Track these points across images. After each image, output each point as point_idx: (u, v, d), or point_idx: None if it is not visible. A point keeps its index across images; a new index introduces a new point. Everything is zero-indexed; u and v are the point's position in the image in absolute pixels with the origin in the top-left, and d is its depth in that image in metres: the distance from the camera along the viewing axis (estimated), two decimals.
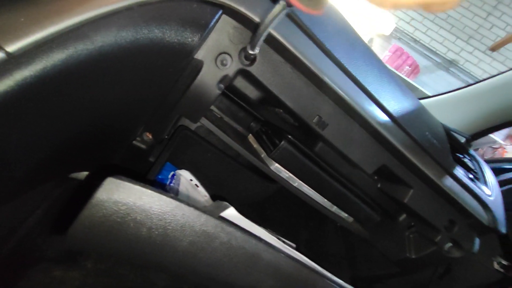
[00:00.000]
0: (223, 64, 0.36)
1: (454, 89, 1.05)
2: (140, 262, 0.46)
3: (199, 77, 0.37)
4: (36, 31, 0.22)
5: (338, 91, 0.38)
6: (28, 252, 0.44)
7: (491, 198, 0.56)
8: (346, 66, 0.40)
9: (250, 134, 0.57)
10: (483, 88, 0.95)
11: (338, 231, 0.79)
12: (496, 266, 0.67)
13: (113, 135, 0.41)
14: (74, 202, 0.49)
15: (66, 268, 0.46)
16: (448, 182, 0.50)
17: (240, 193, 0.64)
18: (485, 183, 0.61)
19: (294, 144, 0.50)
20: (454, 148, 0.62)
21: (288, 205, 0.76)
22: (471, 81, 1.44)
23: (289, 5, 0.27)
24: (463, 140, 0.80)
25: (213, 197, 0.56)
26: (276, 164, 0.52)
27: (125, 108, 0.36)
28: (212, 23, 0.31)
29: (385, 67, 0.55)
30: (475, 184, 0.55)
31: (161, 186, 0.53)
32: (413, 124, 0.48)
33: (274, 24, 0.30)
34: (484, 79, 0.99)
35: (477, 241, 0.56)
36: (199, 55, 0.35)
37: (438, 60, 4.17)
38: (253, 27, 0.34)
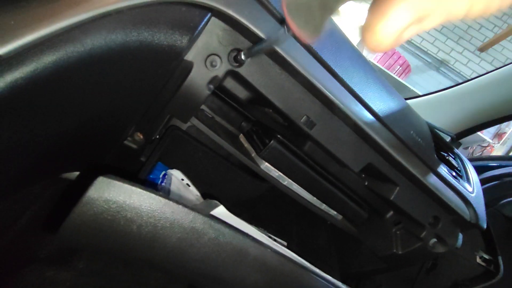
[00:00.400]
0: (213, 65, 0.37)
1: (442, 88, 1.08)
2: (131, 258, 0.46)
3: (189, 78, 0.38)
4: (26, 34, 0.22)
5: (325, 92, 0.40)
6: (20, 253, 0.44)
7: (472, 195, 0.58)
8: (333, 68, 0.41)
9: (241, 134, 0.58)
10: (468, 88, 0.98)
11: (328, 228, 0.81)
12: (478, 260, 0.70)
13: (104, 136, 0.41)
14: (65, 202, 0.49)
15: (58, 268, 0.45)
16: (432, 179, 0.52)
17: (232, 192, 0.65)
18: (468, 180, 0.63)
19: (283, 143, 0.51)
20: (438, 146, 0.64)
21: (279, 204, 0.77)
22: (460, 81, 1.47)
23: None
24: (448, 138, 0.82)
25: (205, 196, 0.56)
26: (266, 163, 0.53)
27: (116, 109, 0.36)
28: (201, 26, 0.32)
29: (372, 68, 0.56)
30: (458, 182, 0.57)
31: (153, 186, 0.54)
32: (398, 123, 0.50)
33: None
34: (471, 79, 1.02)
35: (460, 237, 0.58)
36: (189, 56, 0.36)
37: (429, 60, 4.24)
38: (241, 29, 0.34)
